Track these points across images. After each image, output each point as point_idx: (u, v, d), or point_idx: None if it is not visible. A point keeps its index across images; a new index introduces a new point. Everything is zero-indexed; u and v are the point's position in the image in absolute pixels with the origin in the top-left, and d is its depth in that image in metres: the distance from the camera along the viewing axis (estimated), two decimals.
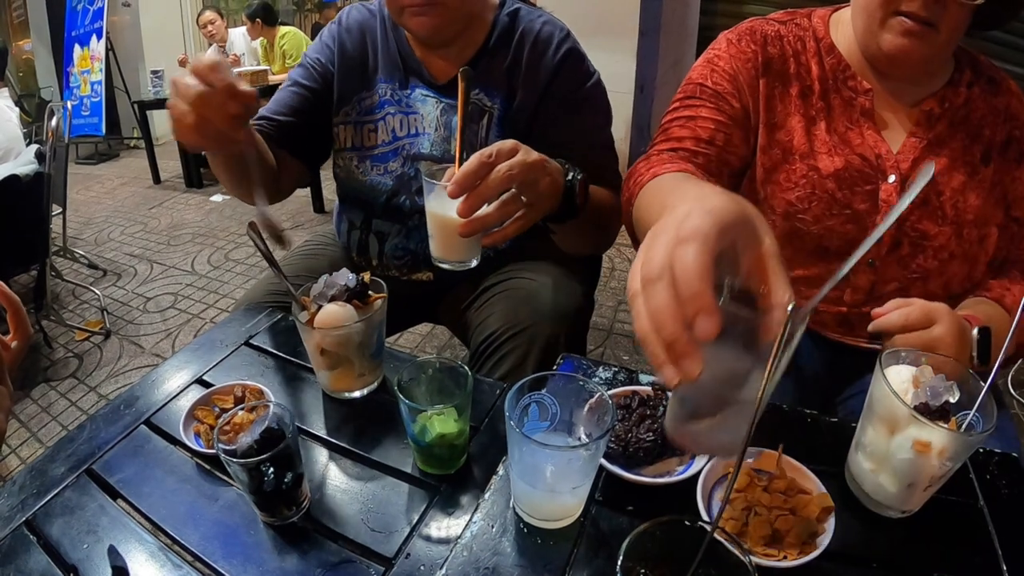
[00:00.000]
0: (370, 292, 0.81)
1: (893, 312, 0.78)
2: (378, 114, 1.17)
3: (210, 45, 5.28)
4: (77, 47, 5.80)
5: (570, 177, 0.90)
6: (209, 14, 5.12)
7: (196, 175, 4.89)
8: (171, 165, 5.11)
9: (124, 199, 4.77)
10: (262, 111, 1.16)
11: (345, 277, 0.80)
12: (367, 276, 0.82)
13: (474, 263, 0.86)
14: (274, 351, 0.95)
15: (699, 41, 4.03)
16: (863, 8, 0.89)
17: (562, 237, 1.06)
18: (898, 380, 0.63)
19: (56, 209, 2.82)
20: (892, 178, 0.92)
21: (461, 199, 0.75)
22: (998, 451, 0.74)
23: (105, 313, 2.87)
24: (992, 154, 0.93)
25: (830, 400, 1.06)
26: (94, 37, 5.60)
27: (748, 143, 0.98)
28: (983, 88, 0.95)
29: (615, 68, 3.74)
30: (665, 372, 0.42)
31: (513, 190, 0.80)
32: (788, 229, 0.96)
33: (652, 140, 1.02)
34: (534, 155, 0.80)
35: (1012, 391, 2.17)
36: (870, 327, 0.79)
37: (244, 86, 0.77)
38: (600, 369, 0.86)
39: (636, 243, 1.02)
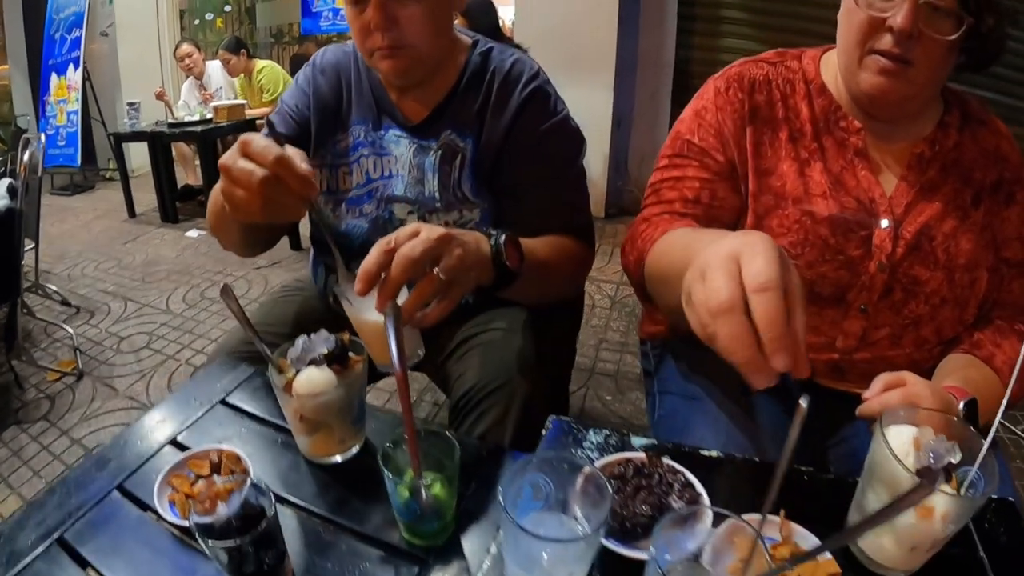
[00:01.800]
0: (350, 354, 0.78)
1: (873, 401, 0.78)
2: (352, 156, 1.15)
3: (187, 78, 5.26)
4: (54, 76, 5.78)
5: (493, 242, 0.87)
6: (186, 47, 5.10)
7: (172, 210, 4.84)
8: (146, 198, 5.04)
9: (98, 233, 4.70)
10: None
11: (324, 340, 0.77)
12: (346, 337, 0.79)
13: (420, 354, 0.85)
14: (251, 411, 0.91)
15: (675, 74, 4.08)
16: (843, 49, 0.91)
17: (514, 297, 1.01)
18: (899, 442, 0.62)
19: (29, 244, 2.76)
20: (885, 223, 0.92)
21: (376, 298, 0.74)
22: (994, 496, 0.72)
23: (78, 352, 2.79)
24: (983, 196, 0.94)
25: (821, 446, 1.04)
26: (71, 66, 5.59)
27: (739, 193, 0.98)
28: (973, 130, 0.95)
29: (592, 103, 3.78)
30: (750, 380, 0.53)
31: (427, 271, 0.77)
32: None
33: (644, 199, 1.04)
34: (438, 230, 0.77)
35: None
36: (857, 413, 0.79)
37: (304, 165, 0.74)
38: (591, 433, 0.83)
39: (643, 295, 1.00)
